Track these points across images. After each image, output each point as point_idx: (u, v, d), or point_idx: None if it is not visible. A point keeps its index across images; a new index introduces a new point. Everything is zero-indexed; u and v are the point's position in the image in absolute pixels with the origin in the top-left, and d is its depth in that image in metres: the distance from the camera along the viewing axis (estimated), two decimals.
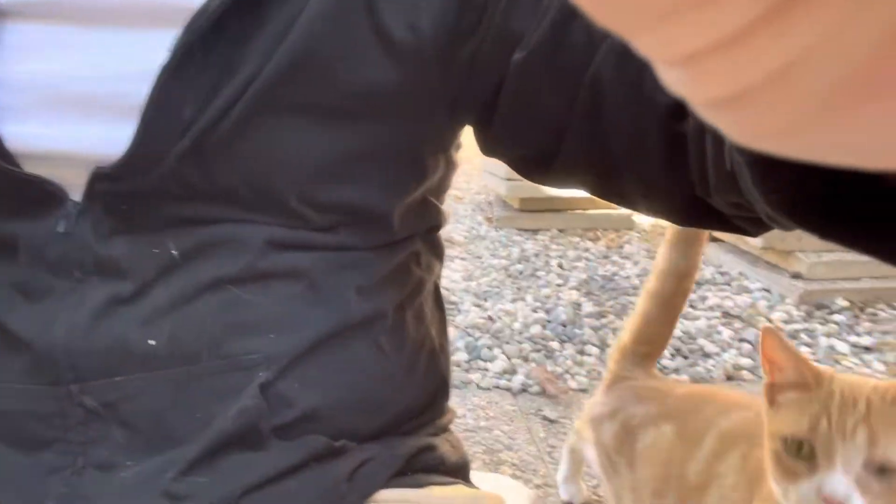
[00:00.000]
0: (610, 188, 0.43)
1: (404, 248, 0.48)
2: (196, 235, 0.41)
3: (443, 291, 0.57)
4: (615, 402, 0.88)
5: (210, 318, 0.42)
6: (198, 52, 0.38)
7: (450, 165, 0.50)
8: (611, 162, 0.40)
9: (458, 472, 0.55)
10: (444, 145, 0.48)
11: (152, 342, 0.41)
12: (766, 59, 0.08)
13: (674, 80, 0.10)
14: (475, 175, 3.18)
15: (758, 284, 1.98)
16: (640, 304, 0.90)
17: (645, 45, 0.09)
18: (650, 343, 0.91)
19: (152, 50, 0.38)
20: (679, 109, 0.35)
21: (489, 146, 0.47)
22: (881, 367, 1.58)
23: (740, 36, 0.08)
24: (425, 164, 0.46)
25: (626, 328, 0.93)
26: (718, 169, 0.33)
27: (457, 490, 0.52)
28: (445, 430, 0.56)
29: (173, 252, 0.41)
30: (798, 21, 0.08)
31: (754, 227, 0.36)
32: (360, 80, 0.40)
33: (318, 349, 0.44)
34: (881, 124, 0.09)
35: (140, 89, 0.38)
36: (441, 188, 0.51)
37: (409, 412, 0.50)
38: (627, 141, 0.39)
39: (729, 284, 2.01)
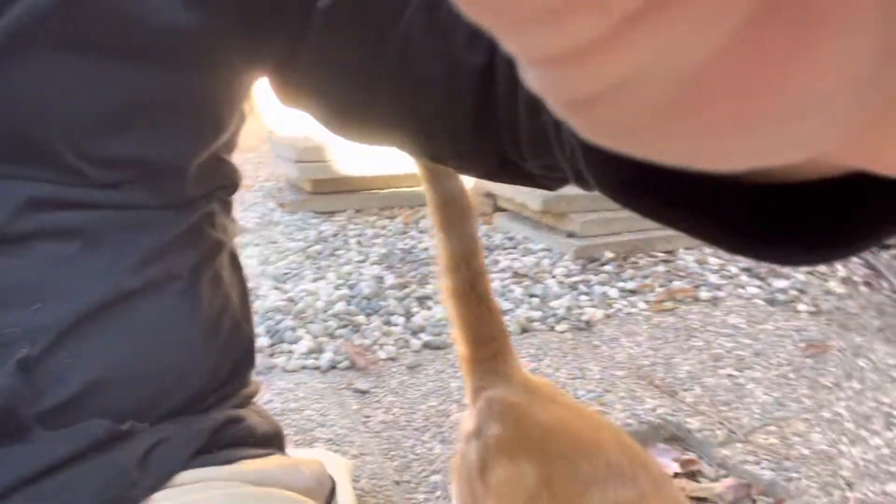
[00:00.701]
0: (422, 147, 0.42)
1: (198, 207, 0.44)
2: None
3: None
4: (479, 417, 0.72)
5: None
6: None
7: (241, 119, 0.47)
8: (421, 122, 0.40)
9: (271, 442, 0.51)
10: (240, 95, 0.45)
11: None
12: (611, 69, 0.09)
13: (531, 79, 0.11)
14: (262, 163, 3.04)
15: (540, 245, 2.16)
16: (451, 312, 0.76)
17: (507, 45, 0.10)
18: (488, 341, 0.76)
19: None
20: (489, 77, 0.35)
21: (291, 97, 0.45)
22: (644, 305, 1.81)
23: (589, 48, 0.09)
24: (220, 115, 0.43)
25: (457, 340, 0.78)
26: (533, 136, 0.33)
27: (271, 461, 0.48)
28: (251, 402, 0.52)
29: None
30: (640, 38, 0.09)
31: (558, 183, 0.38)
32: (150, 18, 0.35)
33: (96, 317, 0.38)
34: (705, 133, 0.10)
35: None
36: (231, 144, 0.47)
37: (210, 384, 0.45)
38: (437, 102, 0.38)
39: (516, 248, 2.16)
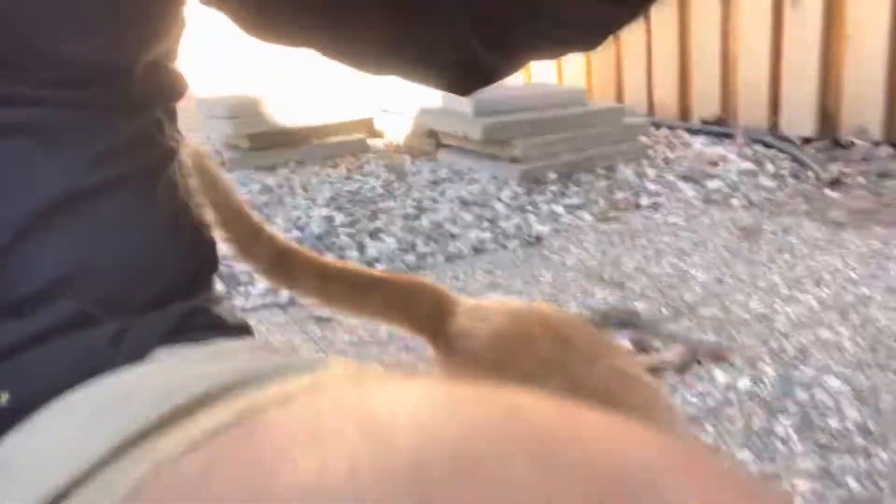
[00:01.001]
0: (344, 48, 0.42)
1: (146, 112, 0.45)
2: None
3: None
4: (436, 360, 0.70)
5: None
6: None
7: (182, 26, 0.48)
8: (343, 19, 0.40)
9: (242, 332, 0.53)
10: None
11: None
12: None
13: None
14: (195, 126, 2.97)
15: (485, 173, 2.19)
16: (376, 321, 0.69)
17: None
18: (418, 304, 0.70)
19: None
20: None
21: None
22: (589, 217, 1.87)
23: None
24: (163, 16, 0.43)
25: (401, 331, 0.73)
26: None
27: (245, 342, 0.50)
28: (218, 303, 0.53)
29: None
30: None
31: (487, 75, 0.38)
32: None
33: (54, 214, 0.38)
34: None
35: None
36: (173, 53, 0.48)
37: (176, 284, 0.46)
38: None
39: (462, 177, 2.19)
